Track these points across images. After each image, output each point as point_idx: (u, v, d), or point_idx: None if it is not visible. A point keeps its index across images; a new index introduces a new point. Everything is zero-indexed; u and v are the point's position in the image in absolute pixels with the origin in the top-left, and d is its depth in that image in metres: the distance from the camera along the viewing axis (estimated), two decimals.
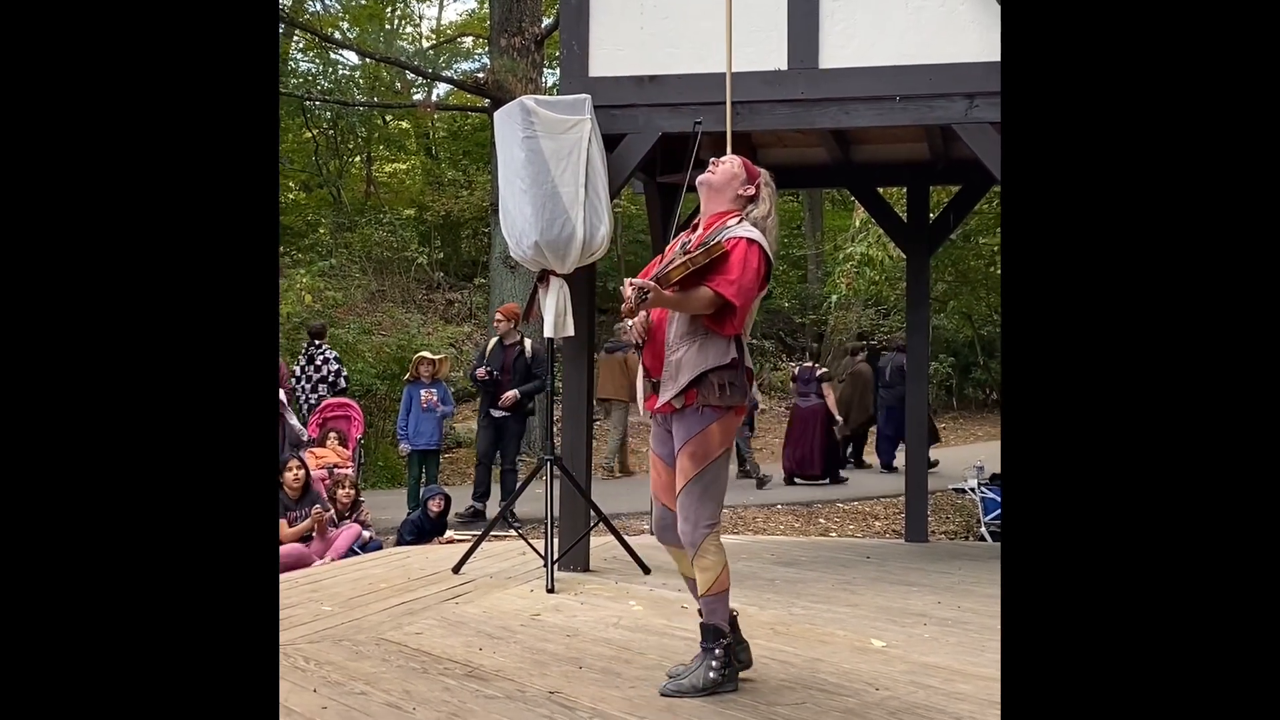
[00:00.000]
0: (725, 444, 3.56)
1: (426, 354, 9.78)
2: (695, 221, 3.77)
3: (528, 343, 9.74)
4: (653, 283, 3.35)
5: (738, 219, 3.61)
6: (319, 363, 10.39)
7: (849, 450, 13.82)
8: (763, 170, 3.76)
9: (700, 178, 3.74)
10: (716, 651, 3.61)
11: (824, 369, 13.28)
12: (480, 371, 9.54)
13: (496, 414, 9.53)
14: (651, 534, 7.61)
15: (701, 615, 3.68)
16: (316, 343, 10.52)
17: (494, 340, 9.88)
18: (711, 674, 3.58)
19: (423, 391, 9.64)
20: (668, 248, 3.76)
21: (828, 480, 12.29)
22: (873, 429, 13.92)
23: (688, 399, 3.51)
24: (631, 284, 3.34)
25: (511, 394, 9.37)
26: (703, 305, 3.45)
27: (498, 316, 10.08)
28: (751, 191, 3.68)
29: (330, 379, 10.42)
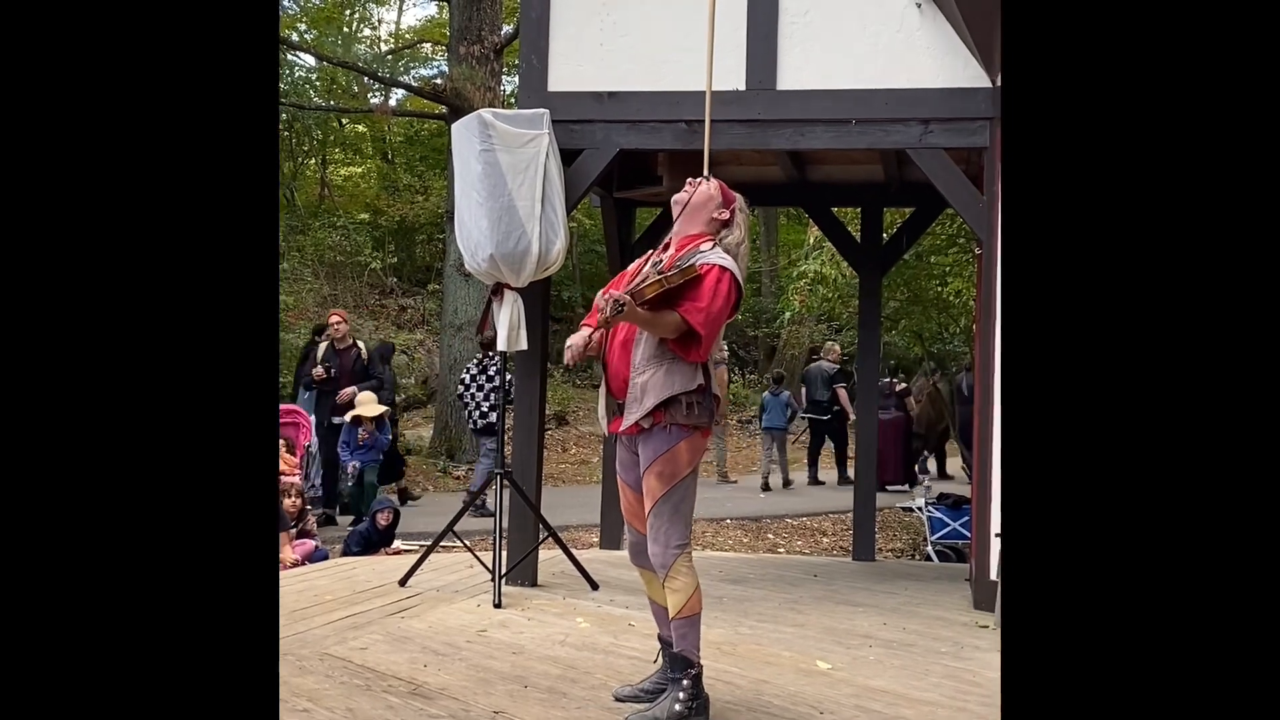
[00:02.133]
0: (692, 463, 3.52)
1: (364, 413, 9.50)
2: (666, 241, 3.72)
3: (361, 344, 9.89)
4: (629, 296, 3.29)
5: (711, 243, 3.57)
6: (491, 372, 10.33)
7: (926, 461, 15.05)
8: (738, 195, 3.72)
9: (675, 197, 3.69)
10: (685, 683, 3.52)
11: (904, 384, 14.08)
12: (318, 371, 9.63)
13: (337, 420, 9.70)
14: (601, 548, 7.64)
15: (671, 644, 3.60)
16: (490, 353, 10.43)
17: (325, 344, 10.05)
18: (678, 707, 3.49)
19: (360, 430, 9.56)
20: (634, 264, 3.74)
21: (907, 485, 13.47)
22: (950, 442, 14.91)
23: (655, 418, 3.46)
24: (609, 296, 3.29)
25: (349, 390, 9.63)
26: (669, 329, 3.40)
27: (334, 319, 10.19)
28: (726, 216, 3.64)
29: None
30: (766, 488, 13.55)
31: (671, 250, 3.64)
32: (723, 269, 3.46)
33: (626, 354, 3.55)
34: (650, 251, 3.77)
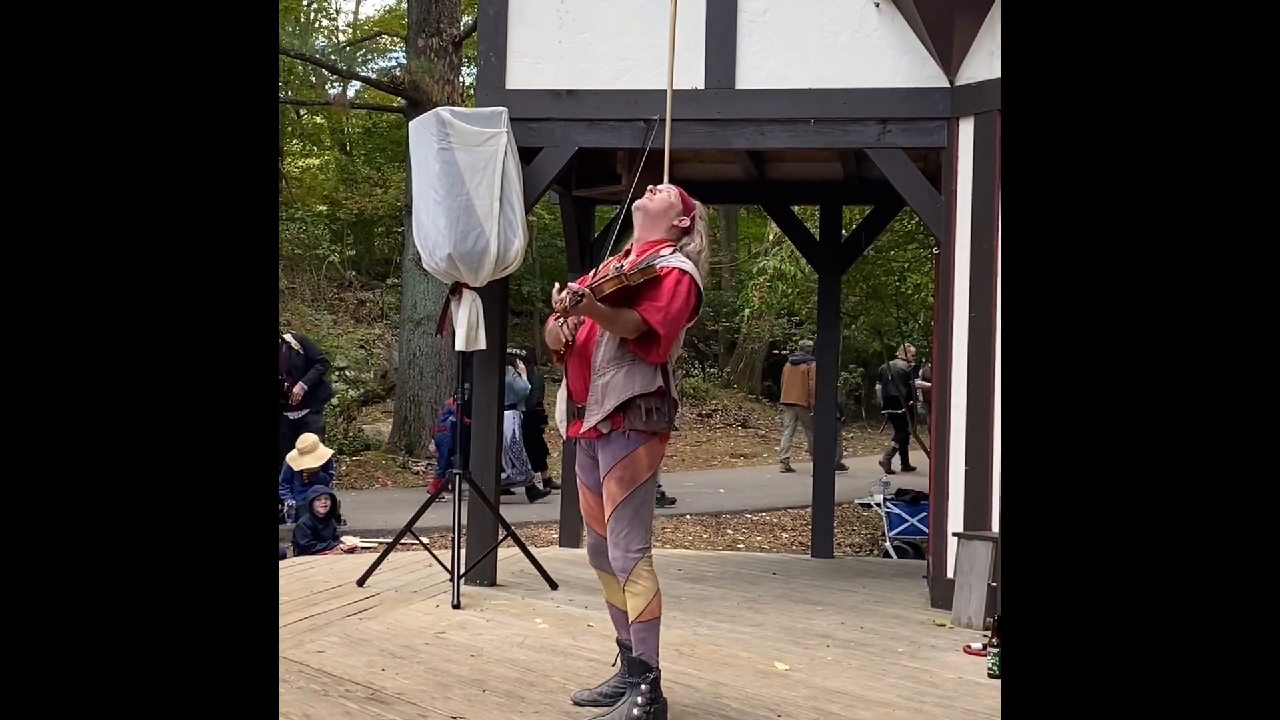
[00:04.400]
0: (652, 468, 3.54)
1: (309, 464, 9.02)
2: (627, 247, 3.76)
3: (289, 338, 9.92)
4: (588, 290, 3.31)
5: (671, 249, 3.61)
6: None
7: None
8: (698, 203, 3.76)
9: (636, 203, 3.72)
10: (643, 687, 3.51)
11: None
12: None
13: (294, 415, 9.70)
14: (560, 546, 7.64)
15: (629, 648, 3.60)
16: None
17: None
18: (636, 711, 3.48)
19: (303, 474, 9.24)
20: (600, 268, 3.75)
21: None
22: None
23: (614, 423, 3.48)
24: (569, 288, 3.32)
25: (299, 387, 9.62)
26: (629, 328, 3.43)
27: None
28: (686, 223, 3.67)
29: None
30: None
31: (633, 256, 3.67)
32: (682, 272, 3.50)
33: (586, 357, 3.57)
34: (611, 258, 3.78)
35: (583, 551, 7.25)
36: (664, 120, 5.72)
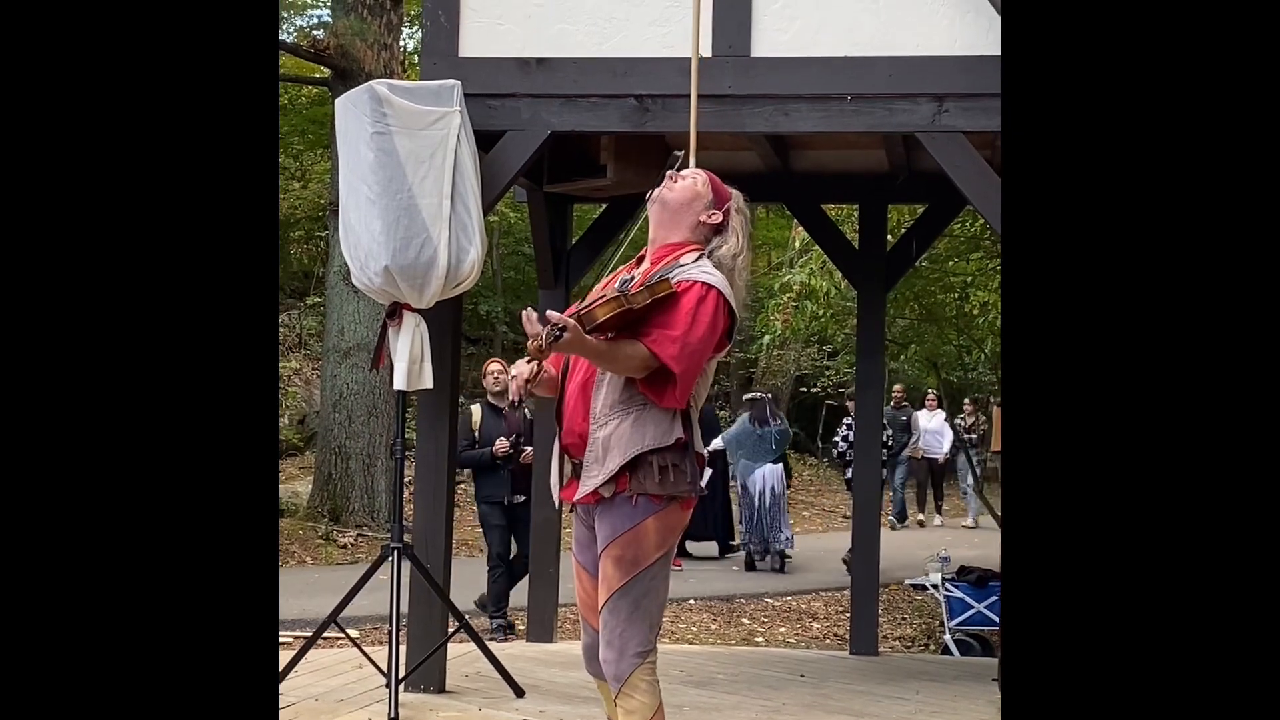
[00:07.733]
0: (664, 546, 3.46)
1: None
2: (642, 253, 3.70)
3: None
4: (573, 320, 3.19)
5: (696, 254, 3.55)
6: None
7: None
8: (734, 191, 3.69)
9: (652, 195, 3.66)
10: None
11: None
12: (500, 445, 8.84)
13: (519, 498, 8.95)
14: (528, 640, 7.61)
15: None
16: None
17: (477, 406, 9.29)
18: None
19: None
20: (601, 283, 3.69)
21: None
22: None
23: (619, 485, 3.41)
24: (547, 317, 3.16)
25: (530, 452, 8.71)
26: (633, 365, 3.36)
27: (494, 370, 9.26)
28: (718, 219, 3.60)
29: None
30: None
31: (646, 264, 3.61)
32: (707, 287, 3.43)
33: (585, 400, 3.50)
34: (622, 267, 3.74)
35: (557, 648, 7.25)
36: (670, 95, 5.75)
